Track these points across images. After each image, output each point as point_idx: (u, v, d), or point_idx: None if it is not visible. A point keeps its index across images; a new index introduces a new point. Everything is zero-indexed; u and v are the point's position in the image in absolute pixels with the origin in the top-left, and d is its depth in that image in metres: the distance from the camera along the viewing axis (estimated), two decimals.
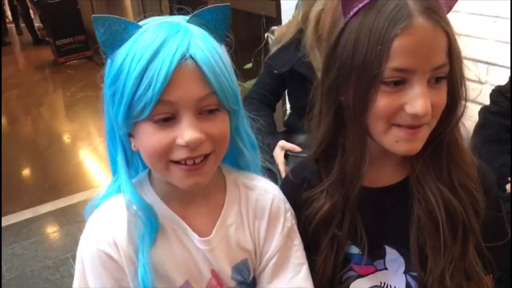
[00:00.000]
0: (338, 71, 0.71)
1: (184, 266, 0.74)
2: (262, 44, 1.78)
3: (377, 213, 0.79)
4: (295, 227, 0.81)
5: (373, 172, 0.78)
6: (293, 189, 0.83)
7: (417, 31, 0.64)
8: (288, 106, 1.77)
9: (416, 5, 0.65)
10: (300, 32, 1.51)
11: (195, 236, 0.74)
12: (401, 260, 0.80)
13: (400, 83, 0.67)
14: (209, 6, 0.69)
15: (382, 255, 0.81)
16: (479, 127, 1.51)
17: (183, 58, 0.63)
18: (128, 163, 0.75)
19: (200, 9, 0.69)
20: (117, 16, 0.67)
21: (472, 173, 0.76)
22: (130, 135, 0.71)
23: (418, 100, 0.65)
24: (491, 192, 0.79)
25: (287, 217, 0.79)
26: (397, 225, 0.78)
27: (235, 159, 0.80)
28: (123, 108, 0.65)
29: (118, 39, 0.66)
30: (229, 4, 0.70)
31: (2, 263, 2.39)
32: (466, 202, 0.75)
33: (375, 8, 0.66)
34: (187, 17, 0.69)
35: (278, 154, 1.47)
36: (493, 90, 1.53)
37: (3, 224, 2.69)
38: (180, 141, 0.64)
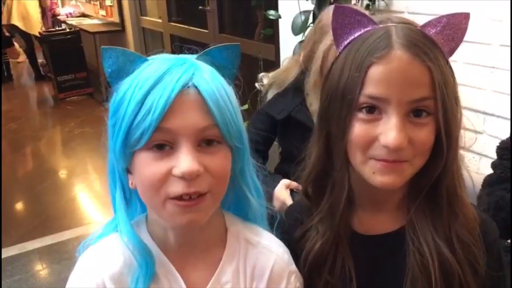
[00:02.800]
0: (327, 99, 0.71)
1: None
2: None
3: (371, 263, 0.75)
4: None
5: (368, 219, 0.75)
6: (287, 231, 0.79)
7: (393, 61, 0.64)
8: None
9: (399, 38, 0.65)
10: (301, 74, 1.50)
11: None
12: None
13: (374, 110, 0.66)
14: (219, 45, 0.68)
15: None
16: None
17: (185, 86, 0.61)
18: (127, 201, 0.71)
19: (210, 48, 0.68)
20: (125, 49, 0.66)
21: (473, 228, 0.72)
22: (129, 171, 0.67)
23: (391, 132, 0.64)
24: (493, 249, 0.75)
25: (290, 280, 0.73)
26: (392, 277, 0.74)
27: (241, 208, 0.76)
28: (121, 136, 0.62)
29: (125, 71, 0.65)
30: (239, 43, 0.69)
31: None
32: (463, 258, 0.70)
33: (362, 38, 0.67)
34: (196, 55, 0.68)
35: (283, 193, 1.38)
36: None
37: None
38: (177, 171, 0.60)
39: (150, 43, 5.38)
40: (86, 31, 5.75)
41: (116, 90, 0.65)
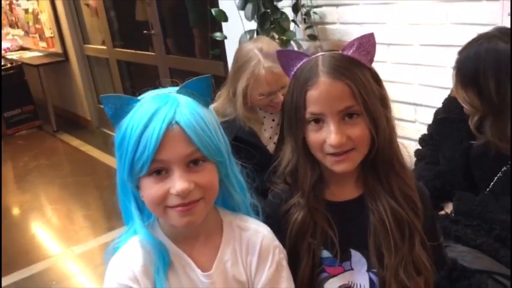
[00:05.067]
0: (287, 115, 0.96)
1: None
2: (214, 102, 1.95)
3: (342, 222, 0.97)
4: (283, 261, 0.93)
5: (337, 189, 0.99)
6: (274, 209, 1.01)
7: (320, 86, 0.88)
8: None
9: (324, 66, 0.89)
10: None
11: (199, 271, 0.87)
12: (364, 261, 0.98)
13: (319, 121, 0.90)
14: (193, 78, 0.85)
15: (349, 257, 0.98)
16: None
17: (170, 124, 0.77)
18: (140, 210, 0.88)
19: (187, 81, 0.85)
20: (120, 94, 0.83)
21: (412, 184, 0.97)
22: (138, 187, 0.84)
23: (331, 135, 0.88)
24: (426, 202, 1.01)
25: (275, 253, 0.92)
26: (359, 232, 0.96)
27: (227, 202, 0.94)
28: (127, 168, 0.80)
29: (123, 112, 0.81)
30: (209, 74, 0.87)
31: None
32: (408, 207, 0.95)
33: (301, 69, 0.93)
34: (176, 88, 0.85)
35: None
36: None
37: None
38: (173, 191, 0.78)
39: (96, 70, 5.41)
40: (29, 64, 5.70)
41: (119, 128, 0.82)
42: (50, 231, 3.43)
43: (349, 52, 0.91)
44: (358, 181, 0.99)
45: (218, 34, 2.43)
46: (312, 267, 0.96)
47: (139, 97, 0.83)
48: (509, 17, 1.64)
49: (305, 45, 2.35)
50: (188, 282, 0.87)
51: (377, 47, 0.94)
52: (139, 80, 4.88)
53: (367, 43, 0.91)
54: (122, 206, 0.90)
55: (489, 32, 1.42)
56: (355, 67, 0.90)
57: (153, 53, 4.02)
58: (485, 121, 1.39)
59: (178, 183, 0.77)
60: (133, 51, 4.48)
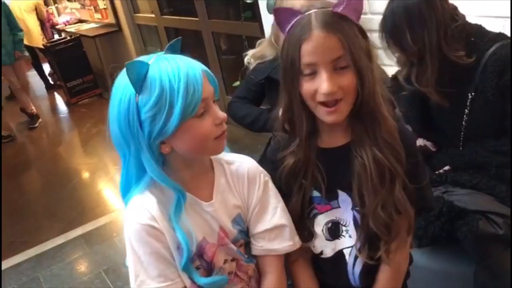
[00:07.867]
0: (283, 68, 1.04)
1: (200, 226, 1.02)
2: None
3: (330, 166, 1.08)
4: (269, 182, 1.10)
5: (328, 137, 1.09)
6: (273, 153, 1.14)
7: (313, 39, 0.96)
8: None
9: (317, 21, 0.97)
10: (276, 50, 1.83)
11: (203, 203, 1.03)
12: (349, 200, 1.09)
13: (312, 73, 0.98)
14: (171, 42, 0.99)
15: (336, 197, 1.10)
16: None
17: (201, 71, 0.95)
18: (157, 162, 0.98)
19: (168, 44, 0.99)
20: (138, 60, 0.94)
21: (394, 133, 1.05)
22: (162, 142, 0.96)
23: (324, 83, 0.96)
24: (410, 149, 1.09)
25: (261, 176, 1.09)
26: (345, 175, 1.07)
27: None
28: (178, 112, 0.91)
29: (141, 75, 0.92)
30: (180, 37, 1.01)
31: (43, 284, 2.70)
32: (390, 154, 1.03)
33: (295, 26, 1.00)
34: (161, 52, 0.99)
35: None
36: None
37: (40, 250, 3.06)
38: (217, 121, 0.97)
39: (147, 37, 5.66)
40: (86, 36, 6.06)
41: (149, 90, 0.91)
42: (114, 188, 3.79)
43: (339, 9, 0.99)
44: (347, 130, 1.08)
45: None
46: (303, 204, 1.09)
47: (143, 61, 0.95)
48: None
49: None
50: (195, 215, 1.03)
51: None
52: (187, 45, 5.06)
53: (355, 1, 0.99)
54: (134, 162, 0.98)
55: None
56: (345, 22, 0.97)
57: (197, 19, 4.16)
58: (412, 71, 1.52)
59: (219, 113, 0.97)
60: (178, 17, 4.65)
